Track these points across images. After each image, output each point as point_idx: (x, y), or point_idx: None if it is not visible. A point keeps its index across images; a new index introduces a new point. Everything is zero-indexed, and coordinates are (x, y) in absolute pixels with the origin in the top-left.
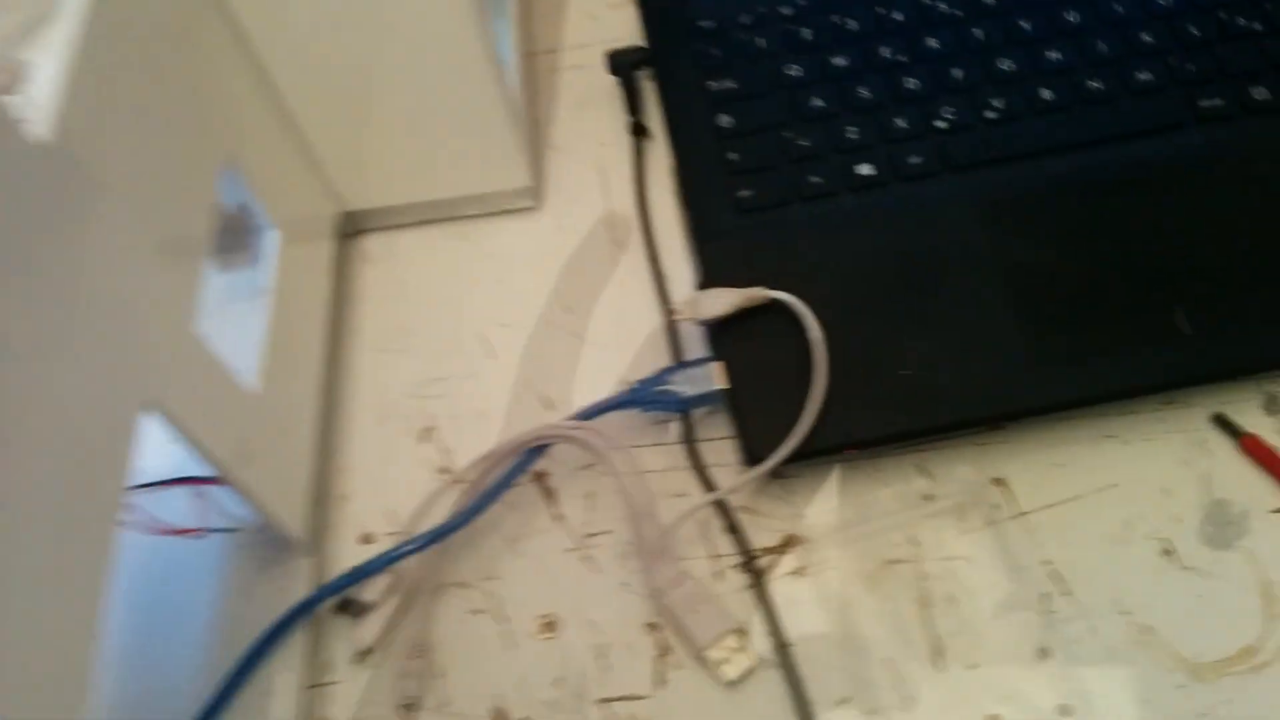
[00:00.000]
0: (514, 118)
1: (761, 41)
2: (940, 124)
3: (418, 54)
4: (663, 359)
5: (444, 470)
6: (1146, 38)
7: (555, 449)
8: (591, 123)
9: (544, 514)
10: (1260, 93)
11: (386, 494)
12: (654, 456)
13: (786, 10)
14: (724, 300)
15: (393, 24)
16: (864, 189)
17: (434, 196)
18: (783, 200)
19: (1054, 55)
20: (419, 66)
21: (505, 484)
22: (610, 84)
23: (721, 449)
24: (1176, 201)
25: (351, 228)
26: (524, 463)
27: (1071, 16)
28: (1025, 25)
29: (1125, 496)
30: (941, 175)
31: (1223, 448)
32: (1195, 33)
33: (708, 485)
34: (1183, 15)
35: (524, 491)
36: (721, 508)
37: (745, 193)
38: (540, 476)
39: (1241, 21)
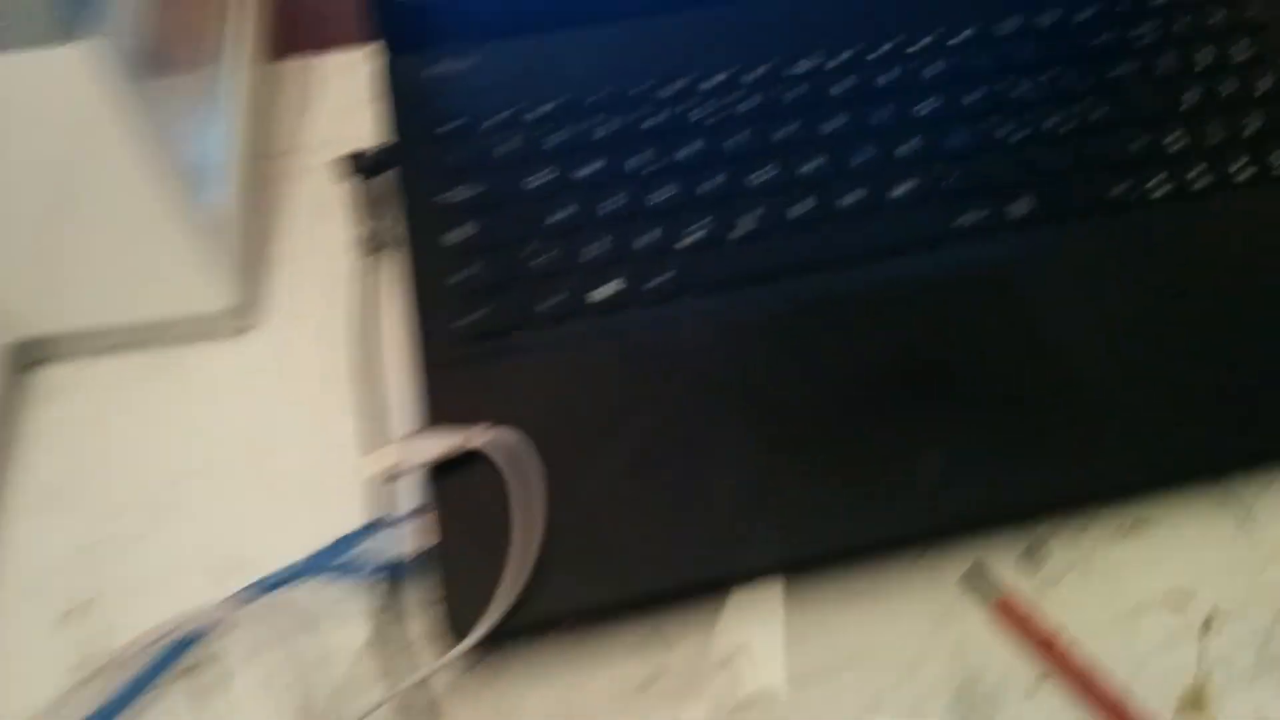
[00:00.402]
0: (211, 232)
1: (507, 147)
2: (688, 241)
3: (79, 169)
4: (370, 512)
5: (91, 658)
6: (905, 149)
7: (219, 632)
8: (329, 232)
9: (200, 715)
10: (1022, 206)
11: (16, 691)
12: (345, 633)
13: (538, 113)
14: (440, 444)
15: (43, 135)
16: (606, 312)
17: (123, 320)
18: (519, 324)
19: (809, 168)
20: (82, 181)
21: (151, 678)
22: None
23: (429, 621)
24: (932, 326)
25: (29, 357)
26: (177, 650)
27: (829, 126)
28: (780, 135)
29: (873, 669)
30: (686, 297)
31: (977, 609)
32: (956, 143)
33: (404, 669)
34: (944, 125)
35: (176, 686)
36: (416, 698)
37: (478, 315)
38: (197, 667)
39: (1004, 131)
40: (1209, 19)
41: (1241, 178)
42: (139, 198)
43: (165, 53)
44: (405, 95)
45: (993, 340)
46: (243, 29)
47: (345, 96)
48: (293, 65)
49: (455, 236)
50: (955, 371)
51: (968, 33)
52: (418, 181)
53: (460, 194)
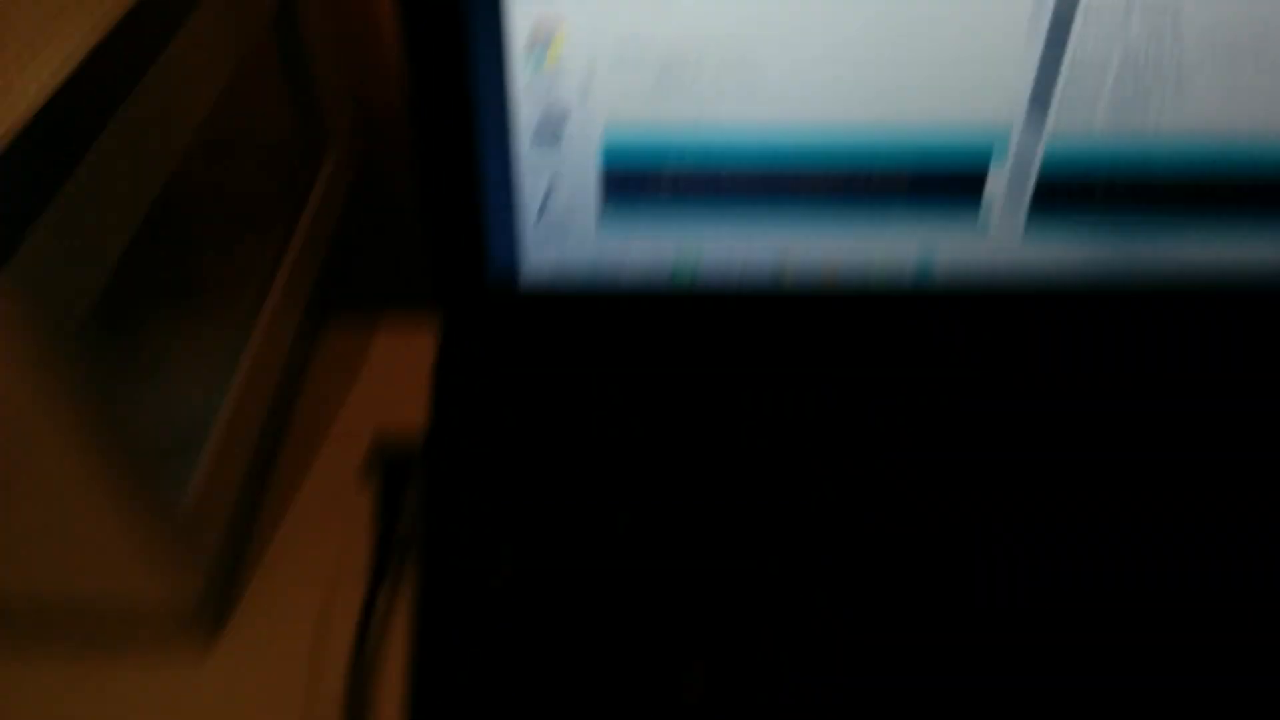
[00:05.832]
0: (169, 520)
1: (570, 475)
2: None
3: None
4: None
5: None
6: None
7: None
8: (343, 527)
9: None
10: None
11: None
12: None
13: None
14: None
15: None
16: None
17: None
18: (549, 688)
19: None
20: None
21: None
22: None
23: None
24: None
25: None
26: None
27: None
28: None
29: None
30: None
31: None
32: None
33: None
34: None
35: None
36: None
37: (503, 668)
38: None
39: None
40: None
41: None
42: (67, 473)
43: (144, 301)
44: (455, 389)
45: None
46: (291, 281)
47: (395, 369)
48: (340, 325)
49: (489, 565)
50: None
51: None
52: (459, 487)
53: (505, 510)
